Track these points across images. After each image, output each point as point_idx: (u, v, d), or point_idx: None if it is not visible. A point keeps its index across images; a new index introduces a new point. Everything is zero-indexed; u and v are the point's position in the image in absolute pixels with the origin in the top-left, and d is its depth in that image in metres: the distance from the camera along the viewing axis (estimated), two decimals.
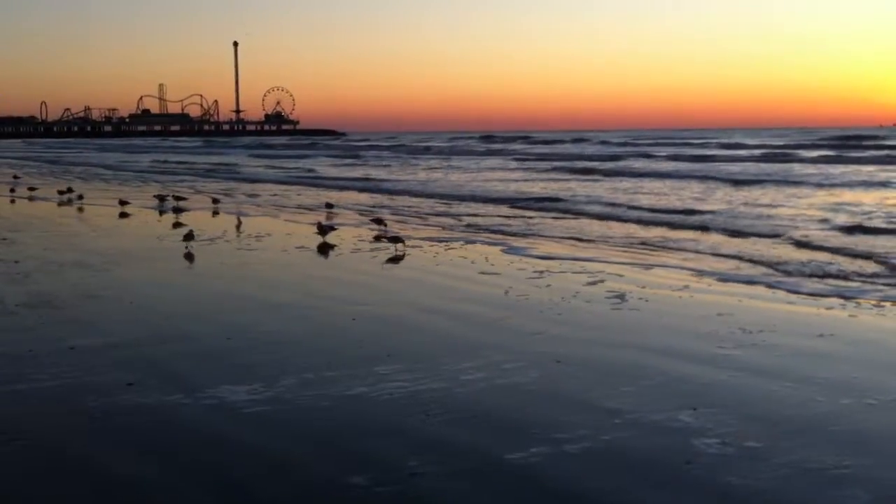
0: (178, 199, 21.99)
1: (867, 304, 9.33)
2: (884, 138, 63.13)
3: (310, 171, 42.44)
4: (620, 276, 11.20)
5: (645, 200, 22.29)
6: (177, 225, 17.76)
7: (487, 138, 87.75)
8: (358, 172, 39.83)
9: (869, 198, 22.14)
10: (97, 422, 5.74)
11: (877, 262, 11.89)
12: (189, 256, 13.20)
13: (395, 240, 14.01)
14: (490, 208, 21.46)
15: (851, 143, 55.68)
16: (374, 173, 38.29)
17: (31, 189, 27.26)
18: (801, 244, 13.75)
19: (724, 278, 10.96)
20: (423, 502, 4.58)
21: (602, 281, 10.79)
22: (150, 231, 16.78)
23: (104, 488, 4.75)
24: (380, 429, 5.59)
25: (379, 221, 16.71)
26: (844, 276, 10.94)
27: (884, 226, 15.80)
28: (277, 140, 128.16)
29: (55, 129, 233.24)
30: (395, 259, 12.83)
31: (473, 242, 14.65)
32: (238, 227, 17.82)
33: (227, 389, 6.37)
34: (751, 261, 12.33)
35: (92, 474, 4.93)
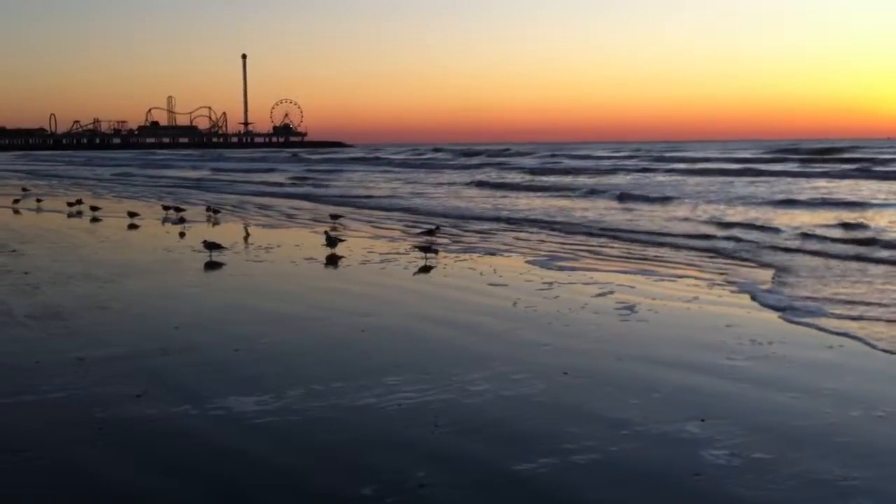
0: (178, 210, 22.47)
1: (874, 316, 9.30)
2: (856, 149, 62.40)
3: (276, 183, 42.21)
4: (631, 287, 11.19)
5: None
6: (182, 235, 18.06)
7: (466, 153, 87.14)
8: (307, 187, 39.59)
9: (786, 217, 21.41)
10: (105, 433, 5.75)
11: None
12: (211, 265, 13.41)
13: (427, 249, 14.21)
14: (475, 225, 21.39)
15: (818, 157, 55.25)
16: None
17: (39, 201, 27.55)
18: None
19: (733, 290, 10.95)
20: None
21: (611, 292, 10.78)
22: (158, 242, 16.82)
23: (111, 499, 4.76)
24: (388, 440, 5.59)
25: (431, 233, 16.75)
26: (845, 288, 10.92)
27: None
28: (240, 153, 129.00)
29: (64, 141, 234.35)
30: (407, 270, 12.83)
31: (489, 254, 14.67)
32: (246, 238, 17.88)
33: (234, 400, 6.38)
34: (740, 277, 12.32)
35: (99, 485, 4.93)
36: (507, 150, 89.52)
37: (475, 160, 68.88)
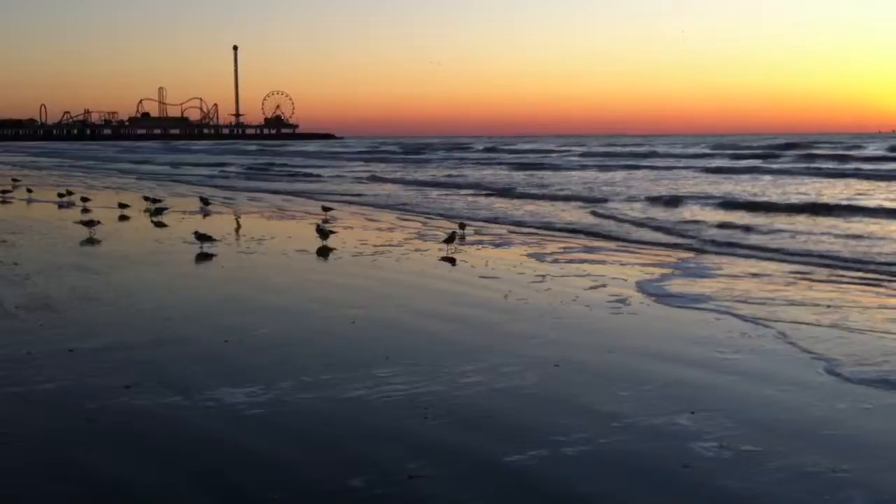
0: (155, 200, 22.45)
1: (859, 310, 9.35)
2: (813, 145, 62.61)
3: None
4: (624, 280, 11.22)
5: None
6: (159, 224, 18.13)
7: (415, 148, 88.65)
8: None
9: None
10: (95, 424, 5.74)
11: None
12: (202, 257, 13.40)
13: (450, 240, 14.53)
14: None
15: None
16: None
17: (30, 191, 27.48)
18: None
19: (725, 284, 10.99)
20: None
21: (604, 285, 10.80)
22: (149, 234, 16.78)
23: (102, 490, 4.75)
24: (378, 431, 5.59)
25: (462, 226, 17.12)
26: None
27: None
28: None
29: (55, 132, 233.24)
30: (399, 263, 12.84)
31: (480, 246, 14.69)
32: (237, 230, 17.85)
33: (225, 392, 6.37)
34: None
35: (90, 476, 4.93)
36: (468, 144, 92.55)
37: (417, 156, 72.18)
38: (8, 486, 4.80)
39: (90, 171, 48.96)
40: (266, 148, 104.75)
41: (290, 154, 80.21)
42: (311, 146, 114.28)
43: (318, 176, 42.51)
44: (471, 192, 30.31)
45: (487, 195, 28.34)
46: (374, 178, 39.82)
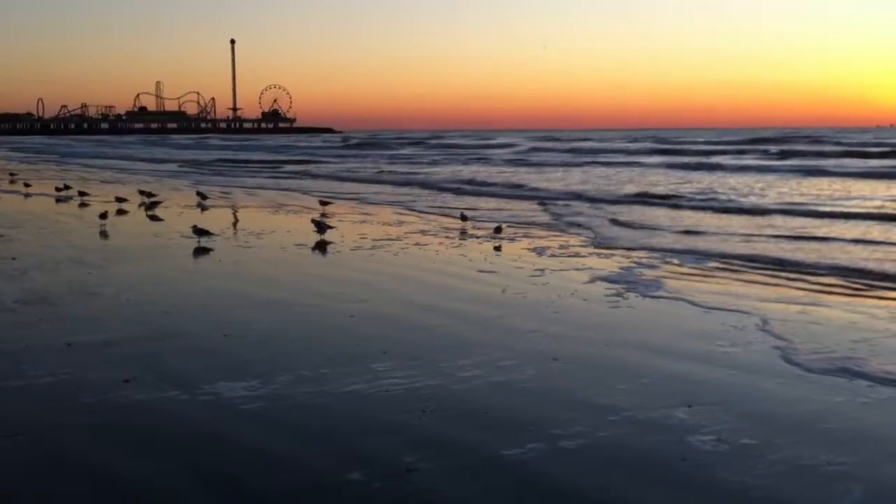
0: (149, 195, 22.48)
1: (859, 304, 9.37)
2: (793, 140, 61.91)
3: None
4: (620, 273, 11.23)
5: None
6: (154, 218, 18.22)
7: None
8: None
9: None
10: (93, 418, 5.74)
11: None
12: (200, 251, 13.41)
13: (499, 230, 15.28)
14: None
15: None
16: None
17: (28, 185, 27.49)
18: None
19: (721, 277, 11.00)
20: (420, 498, 4.59)
21: (601, 279, 10.81)
22: (147, 228, 16.78)
23: (100, 485, 4.76)
24: (377, 425, 5.60)
25: (465, 218, 17.51)
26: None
27: None
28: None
29: (52, 126, 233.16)
30: (397, 257, 12.84)
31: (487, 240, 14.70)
32: (235, 224, 17.84)
33: (223, 386, 6.38)
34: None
35: (88, 471, 4.93)
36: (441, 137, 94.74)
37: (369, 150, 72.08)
38: (6, 480, 4.80)
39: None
40: (231, 142, 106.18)
41: (252, 149, 79.89)
42: (271, 141, 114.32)
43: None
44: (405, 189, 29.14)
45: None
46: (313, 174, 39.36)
